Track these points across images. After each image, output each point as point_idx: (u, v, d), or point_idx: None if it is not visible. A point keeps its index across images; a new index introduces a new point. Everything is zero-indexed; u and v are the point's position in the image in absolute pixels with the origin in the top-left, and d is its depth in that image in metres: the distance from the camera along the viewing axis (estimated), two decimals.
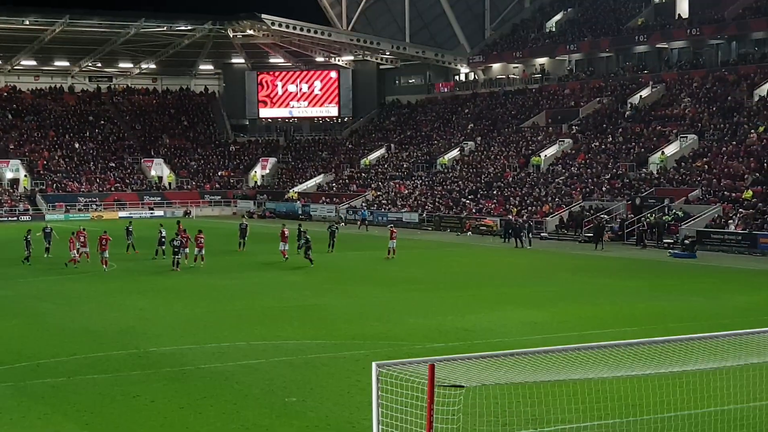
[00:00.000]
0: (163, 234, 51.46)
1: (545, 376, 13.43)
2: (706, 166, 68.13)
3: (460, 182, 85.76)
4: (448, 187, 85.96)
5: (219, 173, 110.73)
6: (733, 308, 33.85)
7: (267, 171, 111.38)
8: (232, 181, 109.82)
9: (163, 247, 50.90)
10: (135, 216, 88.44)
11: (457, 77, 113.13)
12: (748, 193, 61.16)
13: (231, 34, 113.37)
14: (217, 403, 20.25)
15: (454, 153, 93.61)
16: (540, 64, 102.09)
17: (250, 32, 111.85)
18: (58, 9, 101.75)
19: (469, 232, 71.88)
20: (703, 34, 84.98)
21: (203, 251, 48.52)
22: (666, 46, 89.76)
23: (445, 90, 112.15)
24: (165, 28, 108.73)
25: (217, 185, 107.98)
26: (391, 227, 56.96)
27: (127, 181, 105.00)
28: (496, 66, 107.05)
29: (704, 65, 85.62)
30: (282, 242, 50.56)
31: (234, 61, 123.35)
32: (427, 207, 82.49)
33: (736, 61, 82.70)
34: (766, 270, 47.40)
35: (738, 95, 76.72)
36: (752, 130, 69.91)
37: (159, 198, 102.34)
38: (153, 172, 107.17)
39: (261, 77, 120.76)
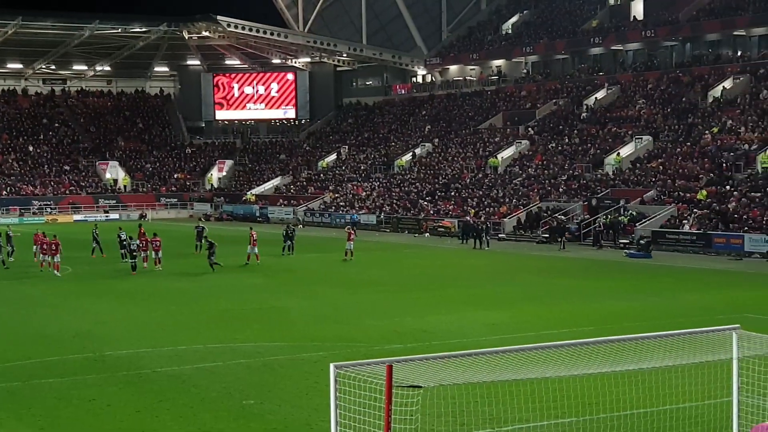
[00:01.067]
0: (123, 237, 51.05)
1: (503, 376, 13.46)
2: (660, 167, 68.71)
3: (418, 184, 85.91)
4: (406, 188, 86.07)
5: (175, 176, 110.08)
6: (688, 307, 34.16)
7: (224, 173, 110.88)
8: (188, 183, 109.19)
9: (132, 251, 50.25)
10: (90, 219, 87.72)
11: (414, 79, 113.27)
12: (703, 194, 61.75)
13: (186, 36, 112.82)
14: (173, 406, 20.11)
15: (412, 154, 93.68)
16: (496, 66, 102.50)
17: (206, 34, 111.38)
18: (11, 10, 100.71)
19: (427, 234, 72.03)
20: (657, 36, 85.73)
21: (160, 254, 48.22)
22: (621, 47, 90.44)
23: (403, 92, 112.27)
24: (119, 30, 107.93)
25: (173, 188, 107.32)
26: (349, 229, 56.90)
27: (82, 184, 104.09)
28: (452, 68, 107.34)
29: (659, 67, 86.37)
30: (250, 246, 50.28)
31: (189, 62, 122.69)
32: (384, 209, 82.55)
33: (690, 63, 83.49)
34: (721, 269, 47.90)
35: (692, 96, 77.45)
36: (706, 131, 70.61)
37: (114, 201, 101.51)
38: (108, 175, 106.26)
39: (217, 79, 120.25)
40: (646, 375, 16.39)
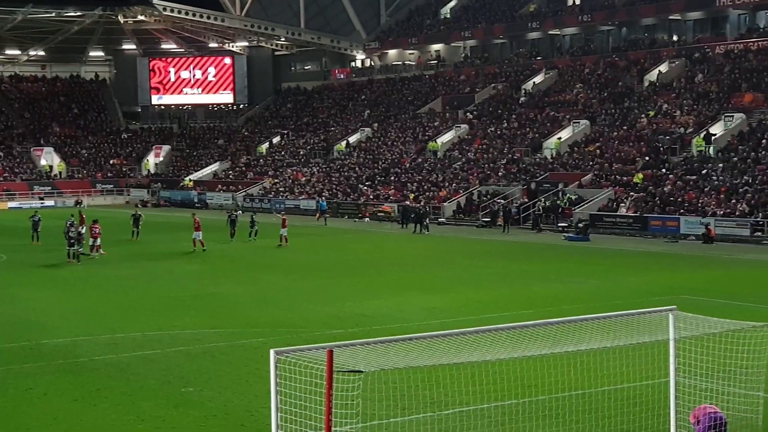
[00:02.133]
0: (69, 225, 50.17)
1: (444, 360, 13.47)
2: (598, 150, 69.35)
3: (358, 169, 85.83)
4: (346, 173, 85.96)
5: (111, 161, 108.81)
6: (625, 289, 34.53)
7: (161, 159, 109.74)
8: (124, 169, 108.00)
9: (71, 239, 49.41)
10: (25, 206, 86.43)
11: (353, 63, 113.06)
12: (639, 177, 62.44)
13: (122, 20, 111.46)
14: (111, 394, 19.89)
15: (352, 139, 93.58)
16: (435, 51, 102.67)
17: (142, 18, 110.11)
18: None
19: (367, 219, 72.03)
20: (594, 21, 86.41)
21: (98, 241, 47.62)
22: (558, 32, 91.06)
23: (342, 76, 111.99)
24: (53, 14, 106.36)
25: (109, 174, 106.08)
26: (282, 215, 56.46)
27: (17, 170, 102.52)
28: (392, 52, 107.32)
29: (595, 51, 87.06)
30: (196, 231, 49.64)
31: (125, 47, 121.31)
32: (324, 194, 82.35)
33: (626, 47, 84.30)
34: (657, 252, 48.49)
35: (628, 81, 78.21)
36: (642, 115, 71.38)
37: (49, 187, 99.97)
38: (43, 161, 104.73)
39: (153, 63, 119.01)
40: (585, 357, 16.52)
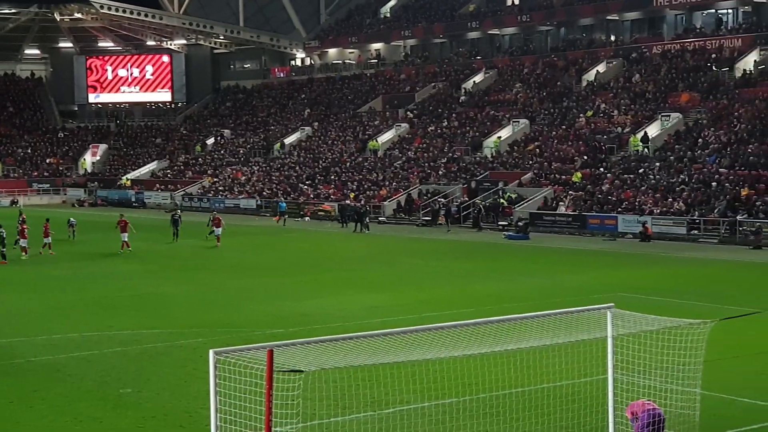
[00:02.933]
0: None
1: (384, 359, 13.45)
2: (537, 149, 69.83)
3: (298, 167, 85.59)
4: (286, 172, 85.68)
5: (47, 161, 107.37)
6: (564, 287, 34.80)
7: (98, 158, 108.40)
8: (61, 168, 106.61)
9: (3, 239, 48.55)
10: None
11: (293, 62, 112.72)
12: (578, 176, 62.97)
13: (58, 18, 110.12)
14: (48, 396, 19.65)
15: (292, 138, 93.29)
16: (375, 50, 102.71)
17: (78, 15, 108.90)
18: None
19: (308, 218, 71.83)
20: (533, 21, 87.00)
21: (50, 239, 47.32)
22: (497, 32, 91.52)
23: (281, 75, 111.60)
24: None
25: (45, 173, 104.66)
26: (215, 215, 55.44)
27: None
28: (332, 51, 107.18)
29: (534, 51, 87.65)
30: (123, 233, 48.85)
31: (61, 45, 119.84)
32: (264, 193, 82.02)
33: (565, 47, 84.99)
34: (595, 250, 48.95)
35: (567, 80, 78.85)
36: (581, 115, 71.99)
37: None
38: None
39: (90, 62, 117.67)
40: (525, 354, 16.59)
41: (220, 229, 51.89)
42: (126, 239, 48.48)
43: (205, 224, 55.53)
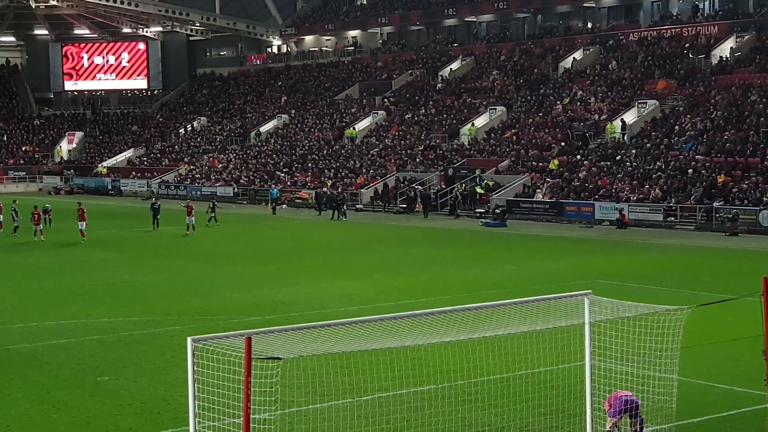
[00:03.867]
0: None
1: (362, 346, 13.45)
2: (514, 137, 69.93)
3: (275, 155, 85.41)
4: (263, 160, 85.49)
5: (23, 148, 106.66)
6: (541, 274, 34.87)
7: (74, 145, 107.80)
8: (37, 156, 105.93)
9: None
10: None
11: (269, 49, 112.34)
12: (555, 163, 63.12)
13: (33, 5, 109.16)
14: (25, 384, 19.58)
15: (268, 126, 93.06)
16: (352, 37, 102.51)
17: (54, 2, 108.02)
18: None
19: (285, 206, 71.71)
20: (509, 8, 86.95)
21: (41, 227, 47.64)
22: (474, 19, 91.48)
23: (258, 62, 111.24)
24: None
25: (21, 161, 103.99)
26: (188, 203, 54.36)
27: None
28: (308, 38, 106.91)
29: (511, 38, 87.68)
30: (80, 221, 48.34)
31: (37, 32, 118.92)
32: (241, 180, 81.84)
33: (542, 34, 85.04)
34: (572, 237, 49.11)
35: (543, 68, 78.94)
36: (557, 102, 72.13)
37: None
38: None
39: (66, 49, 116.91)
40: (502, 341, 16.61)
41: (192, 218, 51.02)
42: (83, 228, 47.79)
43: (204, 212, 55.09)
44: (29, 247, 45.35)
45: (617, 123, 64.61)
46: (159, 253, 43.70)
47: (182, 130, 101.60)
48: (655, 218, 53.38)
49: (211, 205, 57.22)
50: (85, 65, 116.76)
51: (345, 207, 62.01)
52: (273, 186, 75.27)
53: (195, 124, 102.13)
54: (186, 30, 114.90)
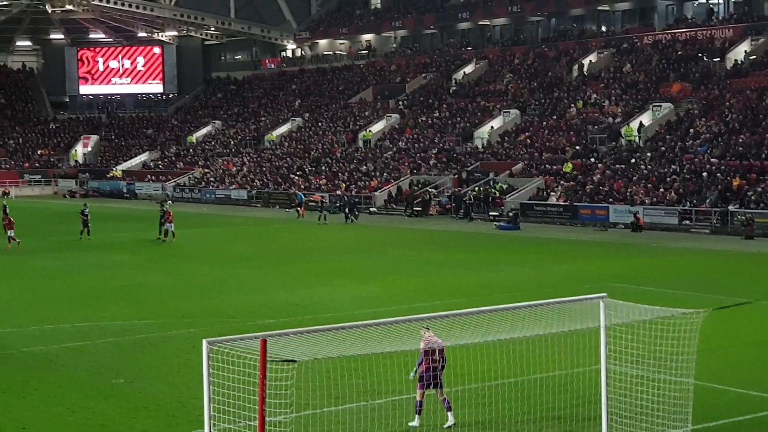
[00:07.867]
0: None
1: (376, 349, 13.46)
2: (528, 140, 69.83)
3: (289, 158, 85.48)
4: (277, 163, 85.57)
5: (38, 152, 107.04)
6: (556, 277, 34.79)
7: (89, 149, 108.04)
8: (52, 159, 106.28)
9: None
10: None
11: (283, 53, 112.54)
12: (569, 166, 62.98)
13: (49, 9, 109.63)
14: (41, 386, 19.62)
15: (282, 129, 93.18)
16: (366, 41, 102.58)
17: (70, 7, 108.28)
18: None
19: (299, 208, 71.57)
20: (524, 11, 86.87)
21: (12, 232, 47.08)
22: (488, 23, 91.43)
23: (272, 66, 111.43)
24: None
25: (36, 164, 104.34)
26: (167, 208, 50.93)
27: None
28: (322, 42, 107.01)
29: (525, 42, 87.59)
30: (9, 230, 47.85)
31: (53, 37, 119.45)
32: (255, 184, 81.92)
33: (556, 38, 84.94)
34: (586, 240, 48.94)
35: (558, 71, 78.82)
36: (572, 105, 71.99)
37: None
38: None
39: (81, 53, 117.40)
40: (517, 344, 16.59)
41: (172, 224, 48.68)
42: (12, 235, 46.17)
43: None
44: (42, 250, 45.44)
45: (634, 125, 64.39)
46: (172, 255, 43.70)
47: (197, 134, 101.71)
48: (670, 221, 53.20)
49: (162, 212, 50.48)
50: (101, 69, 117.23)
51: (357, 210, 61.91)
52: (300, 191, 72.28)
53: (209, 127, 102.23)
54: (201, 34, 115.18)
